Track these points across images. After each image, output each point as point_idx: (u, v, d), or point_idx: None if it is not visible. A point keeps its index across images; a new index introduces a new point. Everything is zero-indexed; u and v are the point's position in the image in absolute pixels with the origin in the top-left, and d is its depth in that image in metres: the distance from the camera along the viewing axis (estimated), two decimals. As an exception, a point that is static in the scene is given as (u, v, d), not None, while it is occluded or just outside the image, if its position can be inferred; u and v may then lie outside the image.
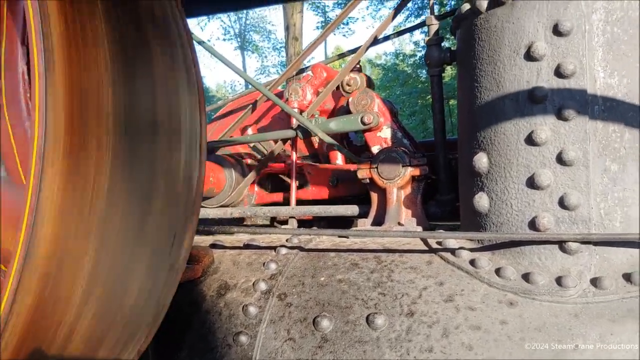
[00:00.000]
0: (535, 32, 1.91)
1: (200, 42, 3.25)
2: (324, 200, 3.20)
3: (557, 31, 1.86)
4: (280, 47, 38.80)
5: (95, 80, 1.19)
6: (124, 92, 1.26)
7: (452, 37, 2.43)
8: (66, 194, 1.12)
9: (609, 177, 1.81)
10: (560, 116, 1.85)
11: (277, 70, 40.28)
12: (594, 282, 1.75)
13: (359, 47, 3.15)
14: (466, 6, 2.16)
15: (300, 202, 3.19)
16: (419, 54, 27.41)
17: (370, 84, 3.13)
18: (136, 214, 1.31)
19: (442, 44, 2.65)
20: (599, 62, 1.84)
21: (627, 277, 1.73)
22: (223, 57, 3.30)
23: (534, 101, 1.89)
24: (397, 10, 3.01)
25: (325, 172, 3.23)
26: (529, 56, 1.90)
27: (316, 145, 3.46)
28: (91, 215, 1.18)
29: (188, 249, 1.58)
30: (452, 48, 2.59)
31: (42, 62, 1.08)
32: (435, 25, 2.66)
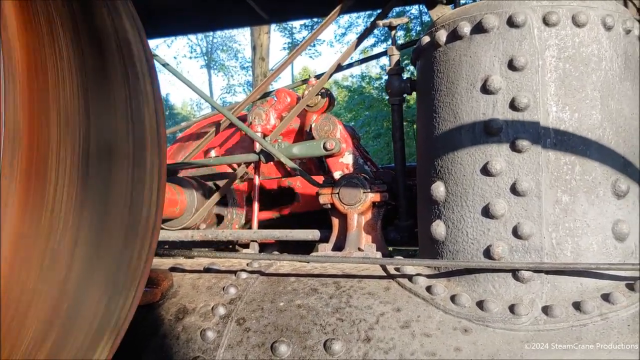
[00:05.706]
0: (491, 66, 1.97)
1: (165, 65, 3.26)
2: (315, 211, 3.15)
3: (512, 66, 1.93)
4: (248, 65, 38.77)
5: (55, 103, 1.19)
6: (84, 116, 1.25)
7: (413, 67, 2.48)
8: (23, 218, 1.12)
9: (560, 208, 1.87)
10: (514, 148, 1.91)
11: (243, 90, 40.23)
12: (545, 310, 1.80)
13: (323, 73, 3.20)
14: (426, 39, 2.22)
15: (294, 215, 3.19)
16: (385, 77, 27.64)
17: (331, 101, 3.15)
18: (94, 235, 1.31)
19: (403, 74, 2.71)
20: (551, 97, 1.91)
21: (577, 305, 1.79)
22: (187, 80, 3.31)
23: (489, 133, 1.95)
24: (360, 40, 3.07)
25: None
26: (485, 89, 1.96)
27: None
28: (47, 238, 1.17)
29: (147, 273, 1.57)
30: (413, 78, 2.65)
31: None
32: (396, 55, 2.72)
